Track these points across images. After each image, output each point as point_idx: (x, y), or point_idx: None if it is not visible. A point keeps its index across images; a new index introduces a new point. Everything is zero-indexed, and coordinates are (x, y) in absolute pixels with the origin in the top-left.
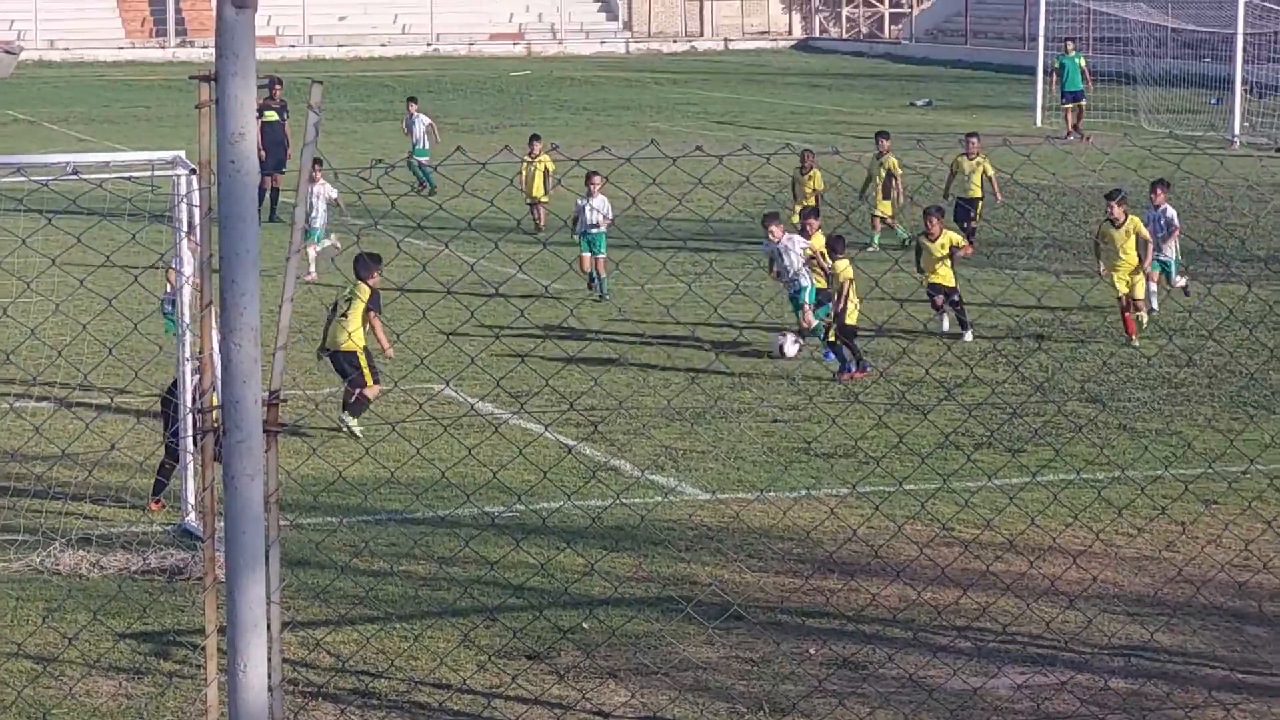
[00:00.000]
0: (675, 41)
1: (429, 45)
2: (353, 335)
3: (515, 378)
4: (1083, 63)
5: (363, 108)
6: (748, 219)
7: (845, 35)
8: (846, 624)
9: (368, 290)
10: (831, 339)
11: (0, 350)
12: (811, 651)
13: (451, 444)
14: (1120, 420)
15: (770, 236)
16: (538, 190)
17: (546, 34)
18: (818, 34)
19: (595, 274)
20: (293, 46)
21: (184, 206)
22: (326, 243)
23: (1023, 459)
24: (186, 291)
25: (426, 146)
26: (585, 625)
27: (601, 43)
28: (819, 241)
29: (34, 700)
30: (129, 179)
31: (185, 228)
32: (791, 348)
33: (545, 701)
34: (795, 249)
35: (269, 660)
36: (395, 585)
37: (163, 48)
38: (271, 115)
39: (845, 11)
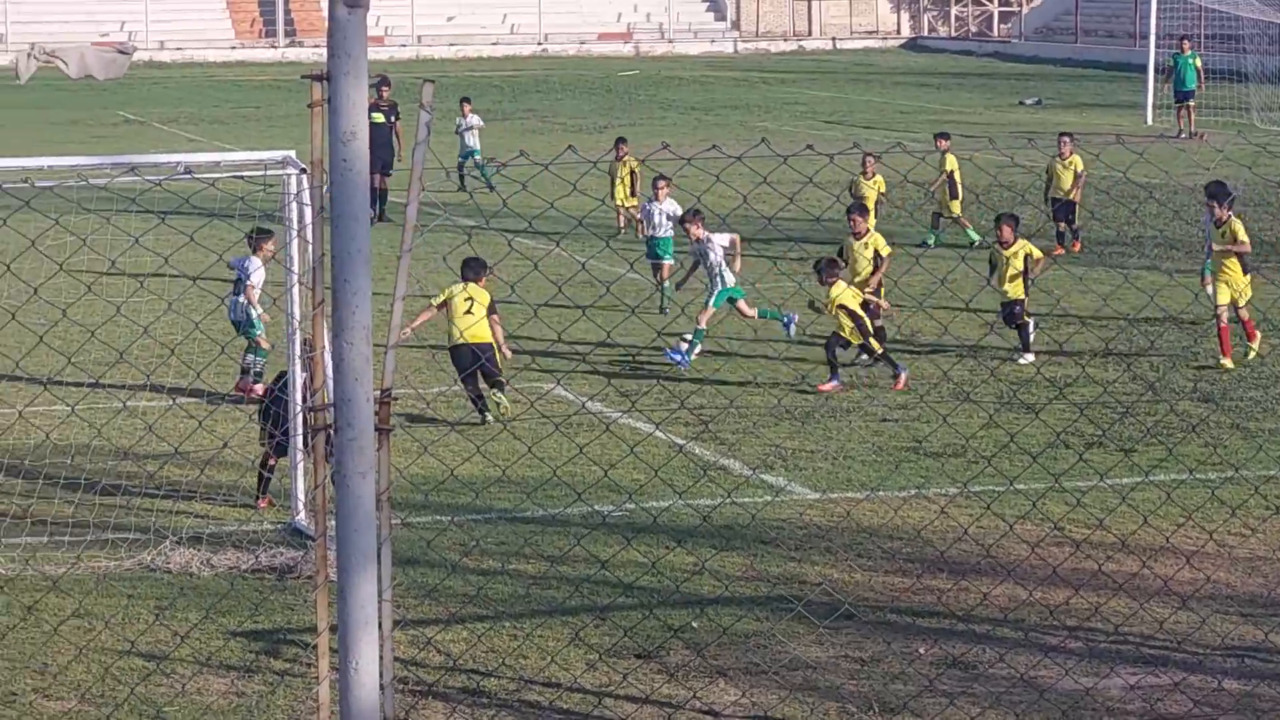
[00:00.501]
0: (783, 41)
1: (538, 45)
2: (482, 329)
3: (626, 376)
4: (1198, 63)
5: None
6: None
7: (954, 34)
8: (956, 623)
9: (485, 293)
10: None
11: (113, 349)
12: (921, 651)
13: (562, 442)
14: (1233, 419)
15: (690, 236)
16: (623, 192)
17: (655, 34)
18: (926, 33)
19: (660, 282)
20: (402, 46)
21: (294, 205)
22: None
23: (1135, 458)
24: (296, 291)
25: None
26: (694, 624)
27: (710, 42)
28: (880, 244)
29: (146, 698)
30: (240, 178)
31: (296, 226)
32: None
33: (655, 700)
34: (715, 247)
35: (380, 659)
36: (505, 584)
37: (272, 48)
38: (378, 116)
39: (954, 10)
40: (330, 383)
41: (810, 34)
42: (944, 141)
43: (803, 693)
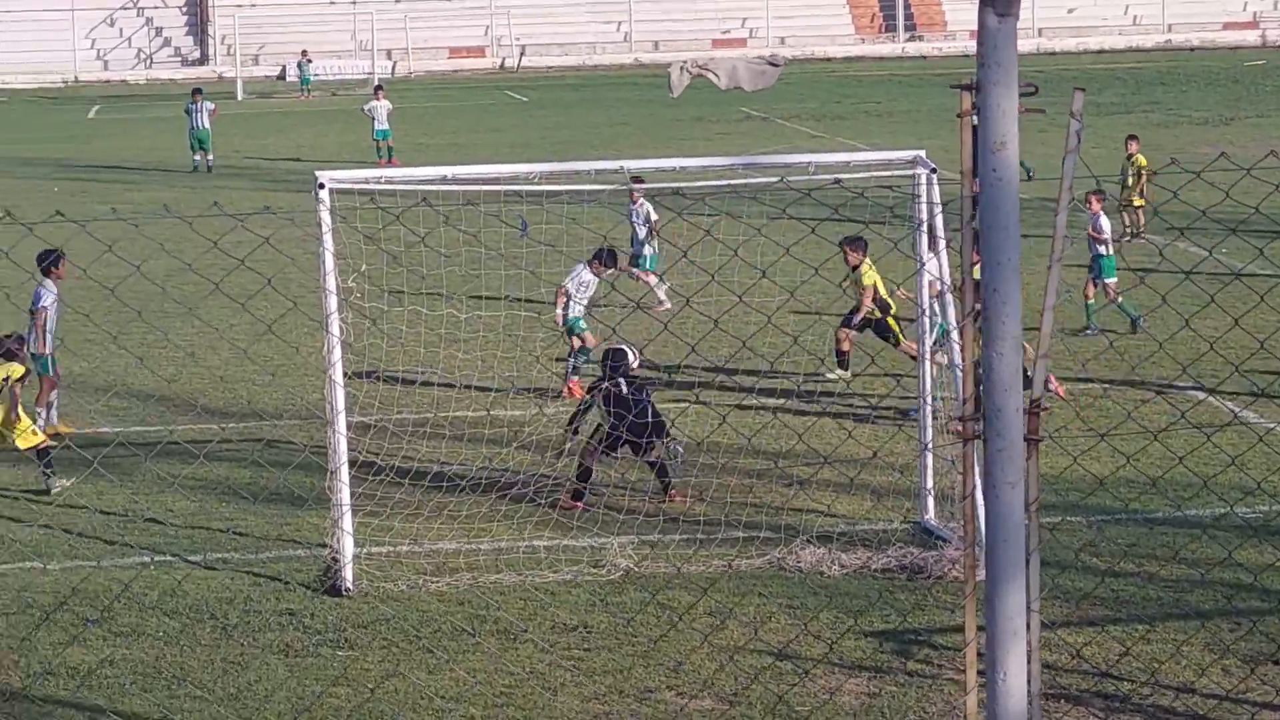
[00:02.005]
0: None
1: (1161, 36)
2: None
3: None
4: None
5: (1094, 100)
6: None
7: None
8: None
9: None
10: None
11: (765, 357)
12: None
13: (1214, 452)
14: None
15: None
16: (1133, 191)
17: None
18: None
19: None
20: (1023, 39)
21: (924, 206)
22: (654, 281)
23: None
24: (925, 291)
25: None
26: None
27: None
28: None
29: (781, 697)
30: (884, 185)
31: (925, 226)
32: None
33: None
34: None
35: (1029, 669)
36: (1142, 588)
37: (893, 43)
38: None
39: None
40: (977, 392)
41: None
42: None
43: None
